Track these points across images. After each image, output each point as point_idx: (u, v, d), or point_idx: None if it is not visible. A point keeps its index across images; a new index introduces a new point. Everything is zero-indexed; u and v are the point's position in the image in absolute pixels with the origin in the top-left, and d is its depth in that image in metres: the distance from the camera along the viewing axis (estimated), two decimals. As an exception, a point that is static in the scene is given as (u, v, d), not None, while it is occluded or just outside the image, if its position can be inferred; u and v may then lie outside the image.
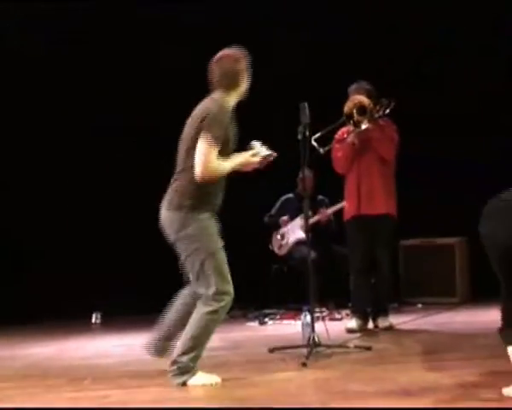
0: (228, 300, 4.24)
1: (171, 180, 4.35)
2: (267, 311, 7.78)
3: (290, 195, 8.14)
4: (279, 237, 8.03)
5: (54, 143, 8.87)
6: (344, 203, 6.44)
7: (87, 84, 8.82)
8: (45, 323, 8.41)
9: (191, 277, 4.31)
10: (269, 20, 8.56)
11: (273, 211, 8.18)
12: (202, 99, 4.38)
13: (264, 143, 4.45)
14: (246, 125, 4.41)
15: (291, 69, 8.41)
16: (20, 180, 8.97)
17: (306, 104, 5.21)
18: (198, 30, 8.51)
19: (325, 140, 6.09)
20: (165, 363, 4.37)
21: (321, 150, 5.77)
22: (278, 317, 7.59)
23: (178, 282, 4.49)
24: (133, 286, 8.59)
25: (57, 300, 8.55)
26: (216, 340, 6.28)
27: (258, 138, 4.46)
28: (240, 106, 4.41)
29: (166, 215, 4.28)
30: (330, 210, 7.62)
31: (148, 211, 4.84)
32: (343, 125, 6.18)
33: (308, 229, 5.57)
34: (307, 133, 5.24)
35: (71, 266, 8.87)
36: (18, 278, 8.87)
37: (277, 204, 8.18)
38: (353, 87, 6.25)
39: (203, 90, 4.40)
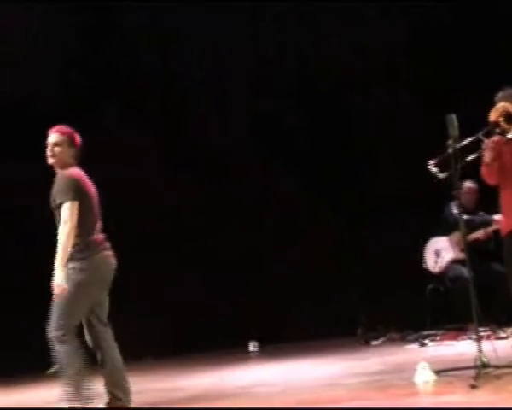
0: None
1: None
2: (426, 332, 7.55)
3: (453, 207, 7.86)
4: (434, 254, 7.78)
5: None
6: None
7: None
8: (203, 353, 8.57)
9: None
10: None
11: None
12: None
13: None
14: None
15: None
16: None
17: (454, 116, 5.03)
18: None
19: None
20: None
21: (440, 176, 5.43)
22: (438, 338, 7.35)
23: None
24: (288, 314, 8.64)
25: (213, 329, 8.72)
26: (376, 364, 6.20)
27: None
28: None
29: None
30: (491, 229, 7.34)
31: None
32: (488, 134, 5.89)
33: (466, 247, 5.34)
34: (457, 146, 5.05)
35: (225, 296, 9.04)
36: (175, 310, 9.12)
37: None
38: (500, 95, 5.98)
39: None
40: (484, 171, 5.97)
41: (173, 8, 8.99)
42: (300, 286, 9.03)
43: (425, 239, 7.88)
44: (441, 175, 5.38)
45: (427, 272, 7.91)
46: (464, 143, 5.57)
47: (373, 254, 8.79)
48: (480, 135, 5.71)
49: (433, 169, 5.37)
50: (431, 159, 5.44)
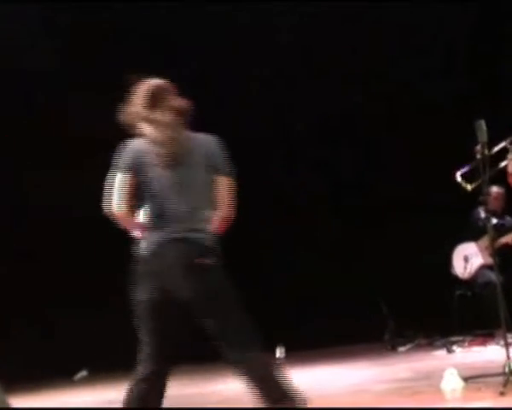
0: None
1: None
2: (454, 338, 7.50)
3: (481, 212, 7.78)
4: (462, 260, 7.71)
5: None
6: None
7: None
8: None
9: None
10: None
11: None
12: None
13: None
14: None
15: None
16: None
17: (483, 122, 5.01)
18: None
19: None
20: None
21: (468, 187, 5.35)
22: (466, 344, 7.30)
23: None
24: (313, 319, 8.64)
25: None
26: (404, 370, 6.18)
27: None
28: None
29: None
30: None
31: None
32: None
33: (494, 251, 5.32)
34: (486, 152, 5.02)
35: (252, 300, 9.06)
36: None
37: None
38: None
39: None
40: (510, 180, 5.94)
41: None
42: (326, 291, 9.02)
43: (452, 244, 7.83)
44: (469, 187, 5.31)
45: (454, 277, 7.87)
46: (493, 150, 5.52)
47: (400, 259, 8.76)
48: (507, 143, 5.67)
49: (460, 180, 5.30)
50: (459, 168, 5.39)
